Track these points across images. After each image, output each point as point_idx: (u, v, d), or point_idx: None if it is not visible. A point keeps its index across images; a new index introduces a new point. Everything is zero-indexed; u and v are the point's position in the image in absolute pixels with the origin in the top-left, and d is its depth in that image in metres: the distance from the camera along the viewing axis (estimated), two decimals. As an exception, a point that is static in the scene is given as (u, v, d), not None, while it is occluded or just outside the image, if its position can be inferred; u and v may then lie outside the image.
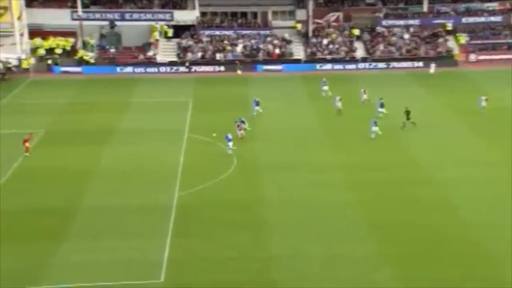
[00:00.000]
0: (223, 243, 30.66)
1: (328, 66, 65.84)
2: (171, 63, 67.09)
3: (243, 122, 44.89)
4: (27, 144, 41.69)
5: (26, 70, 64.90)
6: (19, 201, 35.27)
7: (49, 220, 32.81)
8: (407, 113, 45.63)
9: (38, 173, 39.22)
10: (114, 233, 31.56)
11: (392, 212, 33.30)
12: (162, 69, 66.27)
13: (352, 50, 67.25)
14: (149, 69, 66.30)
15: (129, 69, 66.35)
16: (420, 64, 65.17)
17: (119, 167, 40.25)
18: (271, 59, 67.23)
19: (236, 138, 42.69)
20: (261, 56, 67.55)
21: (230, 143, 41.31)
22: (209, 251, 30.03)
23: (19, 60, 65.91)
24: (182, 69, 66.19)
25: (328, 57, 66.66)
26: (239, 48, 68.61)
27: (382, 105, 47.94)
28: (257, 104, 49.86)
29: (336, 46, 67.67)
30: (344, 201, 34.62)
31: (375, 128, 43.25)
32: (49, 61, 67.08)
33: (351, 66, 65.27)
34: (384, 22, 70.58)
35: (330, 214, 33.38)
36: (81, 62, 67.47)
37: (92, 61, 67.50)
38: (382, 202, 34.30)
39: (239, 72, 65.47)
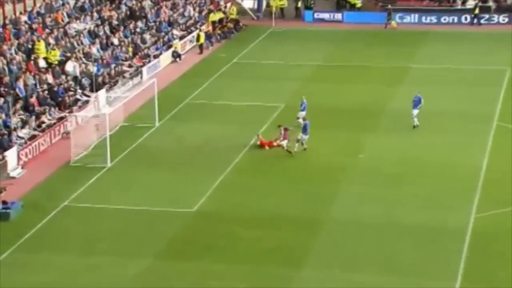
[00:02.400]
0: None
1: None
2: (484, 10, 64.89)
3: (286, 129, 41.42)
4: (279, 142, 41.57)
5: (269, 15, 67.44)
6: (244, 203, 36.40)
7: (285, 233, 33.34)
8: None
9: (270, 165, 40.25)
10: (373, 263, 31.13)
11: None
12: (465, 18, 64.76)
13: None
14: (445, 18, 65.28)
15: (412, 17, 65.94)
16: None
17: (383, 164, 39.96)
18: None
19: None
20: None
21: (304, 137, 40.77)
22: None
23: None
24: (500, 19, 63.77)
25: None
26: None
27: None
28: (417, 104, 43.76)
29: None
30: None
31: None
32: (299, 4, 69.08)
33: None
34: None
35: None
36: (343, 5, 68.48)
37: (359, 4, 68.22)
38: None
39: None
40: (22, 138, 41.85)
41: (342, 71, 55.23)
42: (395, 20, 65.23)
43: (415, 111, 43.75)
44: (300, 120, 43.01)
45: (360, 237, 33.27)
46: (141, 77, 53.60)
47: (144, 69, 54.59)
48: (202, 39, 60.71)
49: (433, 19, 65.59)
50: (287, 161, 40.54)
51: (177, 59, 58.63)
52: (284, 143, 41.19)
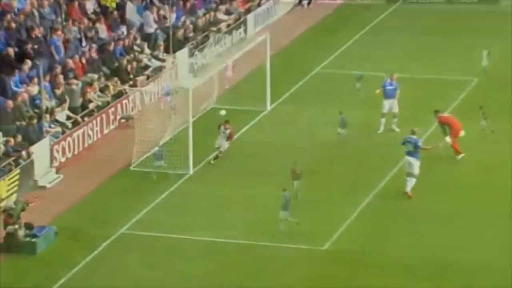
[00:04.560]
0: None
1: None
2: None
3: None
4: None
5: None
6: (404, 241, 36.59)
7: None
8: None
9: (447, 179, 40.61)
10: None
11: None
12: None
13: None
14: None
15: None
16: None
17: None
18: None
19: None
20: None
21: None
22: None
23: None
24: None
25: None
26: None
27: None
28: None
29: None
30: None
31: None
32: None
33: None
34: None
35: None
36: None
37: None
38: None
39: None
40: (58, 124, 42.44)
41: None
42: None
43: None
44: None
45: None
46: (245, 31, 54.02)
47: (250, 18, 55.01)
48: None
49: None
50: (476, 177, 40.84)
51: (303, 3, 58.75)
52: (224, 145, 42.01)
